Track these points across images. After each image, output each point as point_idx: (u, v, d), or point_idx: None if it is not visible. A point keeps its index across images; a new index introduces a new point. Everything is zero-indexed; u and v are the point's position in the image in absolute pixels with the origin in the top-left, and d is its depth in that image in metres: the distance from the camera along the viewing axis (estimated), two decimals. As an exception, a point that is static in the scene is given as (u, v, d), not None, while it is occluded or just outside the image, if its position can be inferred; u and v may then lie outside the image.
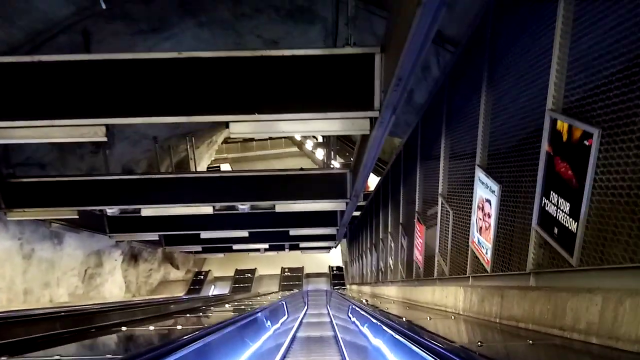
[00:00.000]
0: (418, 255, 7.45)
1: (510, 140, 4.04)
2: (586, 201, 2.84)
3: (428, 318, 4.60)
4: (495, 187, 4.20)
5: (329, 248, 21.26)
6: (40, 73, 4.66)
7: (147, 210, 9.33)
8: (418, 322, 4.40)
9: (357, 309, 8.14)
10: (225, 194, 9.25)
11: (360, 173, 7.81)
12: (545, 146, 3.33)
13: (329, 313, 18.50)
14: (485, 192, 4.45)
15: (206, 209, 9.36)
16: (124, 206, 9.26)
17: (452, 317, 4.60)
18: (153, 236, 14.40)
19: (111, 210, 9.30)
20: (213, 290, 26.09)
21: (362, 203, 16.47)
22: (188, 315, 6.30)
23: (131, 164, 16.87)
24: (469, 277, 5.00)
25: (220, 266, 27.72)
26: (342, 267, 27.52)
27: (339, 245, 24.38)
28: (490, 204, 4.33)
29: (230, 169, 31.53)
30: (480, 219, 4.61)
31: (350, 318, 9.26)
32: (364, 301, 9.19)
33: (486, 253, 4.46)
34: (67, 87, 4.69)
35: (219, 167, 33.20)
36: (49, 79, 4.67)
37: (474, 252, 4.86)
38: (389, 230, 10.78)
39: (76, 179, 8.90)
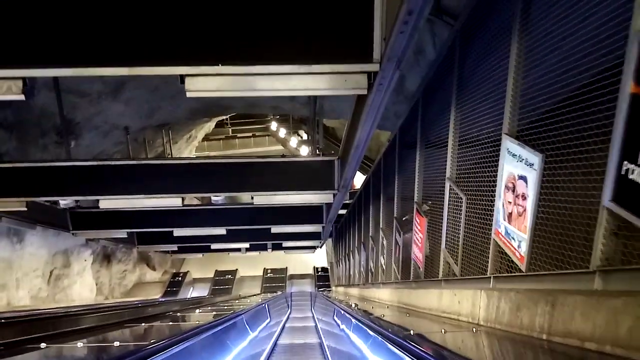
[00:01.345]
0: (417, 253, 6.41)
1: (558, 94, 3.01)
2: None
3: (442, 331, 3.55)
4: (535, 158, 3.16)
5: (314, 248, 20.16)
6: None
7: (106, 202, 8.16)
8: (432, 337, 3.34)
9: (346, 315, 7.08)
10: (196, 183, 8.11)
11: (351, 158, 6.77)
12: (629, 86, 2.29)
13: (313, 317, 17.41)
14: (518, 166, 3.41)
15: (174, 201, 8.21)
16: (79, 197, 8.08)
17: (474, 330, 3.55)
18: (121, 233, 13.16)
19: (64, 202, 8.11)
20: (191, 292, 24.82)
21: (348, 201, 15.46)
22: (144, 324, 5.18)
23: (102, 157, 15.61)
24: (489, 277, 3.97)
25: (199, 267, 26.45)
26: (327, 268, 26.45)
27: (324, 245, 23.32)
28: (527, 182, 3.30)
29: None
30: (510, 202, 3.57)
31: (338, 325, 8.19)
32: (352, 305, 8.14)
33: (519, 247, 3.43)
34: (-31, 28, 3.54)
35: (199, 164, 31.87)
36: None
37: (498, 246, 3.83)
38: (381, 226, 9.74)
39: (21, 165, 7.68)
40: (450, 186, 5.01)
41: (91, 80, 11.66)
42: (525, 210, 3.32)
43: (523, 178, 3.35)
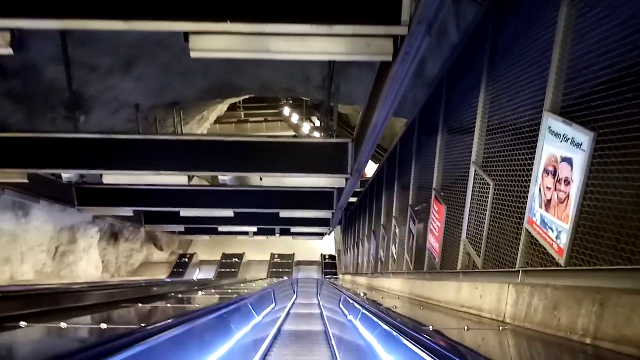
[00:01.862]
0: (434, 242, 6.04)
1: (617, 62, 2.60)
2: None
3: (465, 328, 3.18)
4: (585, 137, 2.76)
5: (323, 234, 19.85)
6: None
7: (110, 177, 7.86)
8: (453, 334, 2.98)
9: (354, 304, 6.75)
10: (203, 161, 7.79)
11: (366, 140, 6.37)
12: None
13: (319, 304, 17.17)
14: (562, 147, 3.01)
15: (180, 179, 7.90)
16: (82, 170, 7.79)
17: (500, 328, 3.18)
18: (127, 211, 12.94)
19: (67, 175, 7.83)
20: (197, 274, 24.72)
21: (359, 189, 15.09)
22: (140, 304, 4.88)
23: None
24: (518, 271, 3.58)
25: (206, 249, 26.32)
26: (334, 256, 26.18)
27: (333, 233, 23.01)
28: (572, 164, 2.90)
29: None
30: (549, 187, 3.17)
31: (345, 314, 7.87)
32: (361, 294, 7.80)
33: (557, 238, 3.04)
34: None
35: (210, 145, 31.52)
36: None
37: (531, 237, 3.44)
38: (394, 214, 9.36)
39: (23, 135, 7.40)
40: (475, 171, 4.61)
41: (101, 54, 11.37)
42: (568, 196, 2.92)
43: (567, 160, 2.94)
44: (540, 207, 3.27)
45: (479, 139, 4.58)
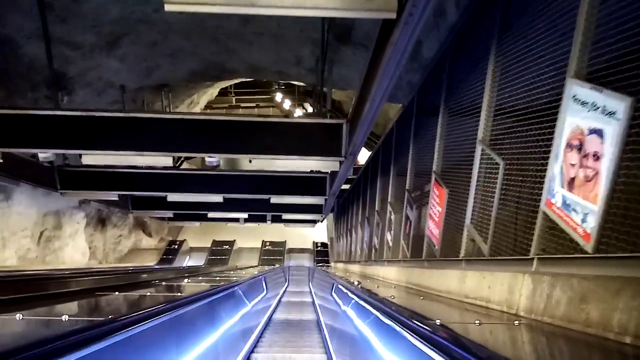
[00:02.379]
0: (433, 229, 5.68)
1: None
2: None
3: (476, 322, 2.83)
4: (620, 103, 2.38)
5: (315, 222, 19.49)
6: None
7: (90, 158, 7.42)
8: (464, 330, 2.62)
9: (348, 294, 6.40)
10: (190, 142, 7.37)
11: (363, 119, 5.97)
12: None
13: (311, 292, 16.88)
14: (590, 117, 2.64)
15: (165, 160, 7.47)
16: (61, 150, 7.36)
17: (516, 323, 2.82)
18: (112, 195, 12.49)
19: (44, 155, 7.39)
20: (187, 261, 24.34)
21: (352, 176, 14.74)
22: (117, 293, 4.49)
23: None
24: (532, 259, 3.22)
25: (196, 236, 25.93)
26: (327, 244, 25.88)
27: (325, 221, 22.68)
28: (602, 136, 2.52)
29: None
30: (574, 164, 2.80)
31: (339, 304, 7.54)
32: (355, 283, 7.46)
33: (583, 221, 2.68)
34: None
35: (200, 131, 30.99)
36: None
37: (549, 220, 3.07)
38: (389, 200, 9.00)
39: (-4, 111, 6.94)
40: (482, 150, 4.24)
41: (83, 31, 10.87)
42: (597, 173, 2.56)
43: (597, 132, 2.57)
44: (562, 186, 2.91)
45: (486, 115, 4.20)
